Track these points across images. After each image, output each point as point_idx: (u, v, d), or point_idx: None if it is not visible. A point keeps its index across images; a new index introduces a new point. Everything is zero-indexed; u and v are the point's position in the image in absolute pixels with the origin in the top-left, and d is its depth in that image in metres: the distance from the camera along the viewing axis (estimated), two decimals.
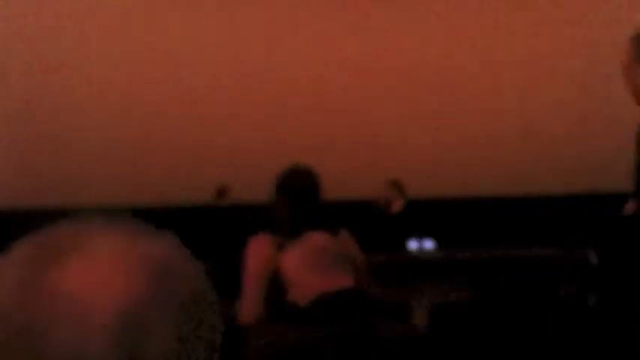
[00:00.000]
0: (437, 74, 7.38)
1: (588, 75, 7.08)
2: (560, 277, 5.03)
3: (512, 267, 5.77)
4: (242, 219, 5.53)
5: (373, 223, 5.57)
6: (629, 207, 2.57)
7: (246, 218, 4.90)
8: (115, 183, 6.90)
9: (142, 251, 0.54)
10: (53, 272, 0.50)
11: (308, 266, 1.99)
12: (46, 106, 7.06)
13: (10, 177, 6.82)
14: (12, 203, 6.37)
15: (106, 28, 7.13)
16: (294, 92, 7.18)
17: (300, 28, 7.29)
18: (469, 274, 5.61)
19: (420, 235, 5.88)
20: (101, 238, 0.54)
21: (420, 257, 5.76)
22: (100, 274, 0.51)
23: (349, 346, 1.81)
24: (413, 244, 5.80)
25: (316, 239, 2.05)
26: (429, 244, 5.85)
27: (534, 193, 7.15)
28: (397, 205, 5.82)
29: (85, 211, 0.58)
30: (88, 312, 0.49)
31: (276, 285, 2.21)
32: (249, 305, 2.18)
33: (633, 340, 2.50)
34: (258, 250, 2.31)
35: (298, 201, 2.39)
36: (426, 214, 5.93)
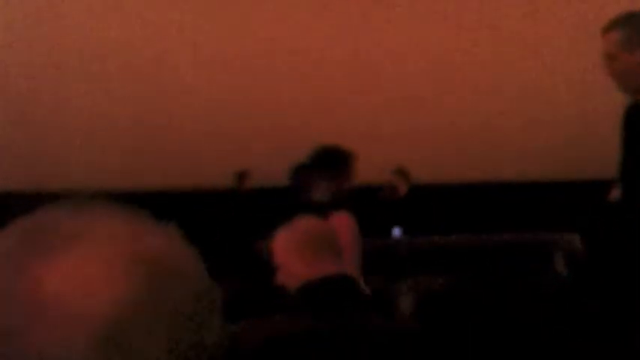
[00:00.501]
0: (433, 68, 7.46)
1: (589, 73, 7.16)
2: (549, 261, 5.08)
3: (499, 253, 5.81)
4: (262, 203, 5.66)
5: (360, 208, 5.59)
6: (614, 193, 2.60)
7: (266, 202, 5.00)
8: (137, 167, 7.04)
9: (141, 246, 0.47)
10: (37, 268, 0.45)
11: (294, 251, 1.97)
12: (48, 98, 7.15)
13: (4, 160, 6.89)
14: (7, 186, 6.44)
15: (112, 24, 7.20)
16: (307, 83, 7.30)
17: (304, 21, 7.36)
18: (456, 261, 5.64)
19: (403, 223, 5.92)
20: (97, 229, 0.48)
21: (406, 244, 5.79)
22: (90, 273, 0.45)
23: (341, 342, 1.79)
24: (397, 231, 5.84)
25: (304, 223, 2.03)
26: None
27: (522, 179, 7.20)
28: (402, 192, 6.02)
29: (79, 194, 0.52)
30: (72, 315, 0.43)
31: (267, 268, 2.20)
32: None
33: (620, 325, 2.54)
34: None
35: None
36: (418, 200, 6.00)
